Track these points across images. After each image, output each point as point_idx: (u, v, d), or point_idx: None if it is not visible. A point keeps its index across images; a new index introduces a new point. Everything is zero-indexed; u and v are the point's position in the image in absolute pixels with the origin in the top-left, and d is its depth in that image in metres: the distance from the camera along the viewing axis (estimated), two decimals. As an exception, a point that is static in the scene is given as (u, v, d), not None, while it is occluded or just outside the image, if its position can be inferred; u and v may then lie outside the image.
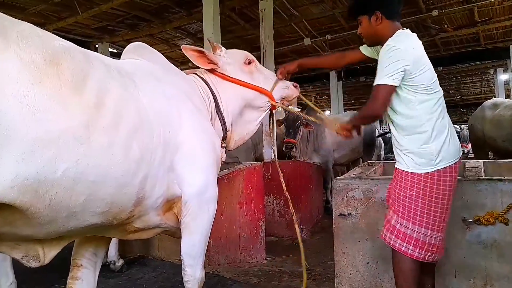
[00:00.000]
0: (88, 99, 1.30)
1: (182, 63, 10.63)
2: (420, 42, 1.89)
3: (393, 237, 1.89)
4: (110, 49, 8.82)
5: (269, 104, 2.28)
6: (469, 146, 8.94)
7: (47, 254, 1.46)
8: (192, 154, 1.75)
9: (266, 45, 5.95)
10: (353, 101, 17.88)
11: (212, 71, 2.15)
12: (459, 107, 19.24)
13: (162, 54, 2.11)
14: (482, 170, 2.77)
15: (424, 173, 1.83)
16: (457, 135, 2.16)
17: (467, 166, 2.90)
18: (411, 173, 1.86)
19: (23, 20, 1.30)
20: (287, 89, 2.34)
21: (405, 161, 1.89)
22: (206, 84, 2.11)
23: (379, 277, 2.52)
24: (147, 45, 2.05)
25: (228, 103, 2.15)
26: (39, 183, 1.15)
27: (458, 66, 10.93)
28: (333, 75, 11.42)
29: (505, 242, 2.19)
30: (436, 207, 1.83)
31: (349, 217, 2.60)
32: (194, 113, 1.85)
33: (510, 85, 12.14)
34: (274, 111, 2.43)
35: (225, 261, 3.62)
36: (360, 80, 12.36)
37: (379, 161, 3.79)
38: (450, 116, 1.97)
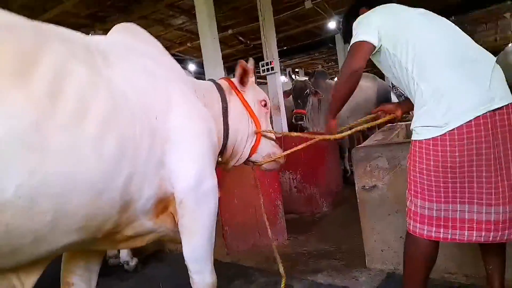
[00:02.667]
0: (39, 89, 1.02)
1: (181, 44, 10.28)
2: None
3: (407, 219, 1.61)
4: (104, 38, 8.51)
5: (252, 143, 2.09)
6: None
7: (26, 282, 1.19)
8: (185, 141, 1.47)
9: (265, 13, 5.57)
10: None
11: (234, 87, 2.07)
12: (474, 58, 18.44)
13: (158, 35, 1.86)
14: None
15: (433, 137, 1.47)
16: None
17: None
18: (418, 141, 1.53)
19: None
20: (276, 148, 2.19)
21: (414, 130, 1.57)
22: (220, 90, 1.99)
23: (415, 252, 2.25)
24: (137, 25, 1.75)
25: (234, 120, 1.98)
26: None
27: (471, 13, 10.21)
28: (339, 38, 10.85)
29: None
30: (453, 176, 1.46)
31: (375, 189, 2.32)
32: (185, 93, 1.58)
33: (529, 28, 11.43)
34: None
35: (244, 247, 3.41)
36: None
37: (400, 123, 3.46)
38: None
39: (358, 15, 1.79)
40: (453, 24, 1.69)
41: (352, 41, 1.67)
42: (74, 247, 1.29)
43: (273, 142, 2.19)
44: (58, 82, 1.08)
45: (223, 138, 1.92)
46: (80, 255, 1.56)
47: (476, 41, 1.67)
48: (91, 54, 1.26)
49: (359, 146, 2.46)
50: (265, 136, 2.10)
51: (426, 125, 1.50)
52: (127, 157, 1.23)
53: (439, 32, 1.61)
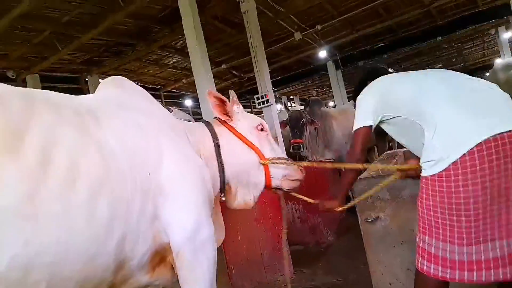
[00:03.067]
0: (29, 160, 1.02)
1: (176, 81, 10.47)
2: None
3: (416, 255, 1.58)
4: (101, 81, 8.65)
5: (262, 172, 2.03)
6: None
7: None
8: (178, 192, 1.45)
9: (256, 48, 5.70)
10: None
11: (223, 122, 2.02)
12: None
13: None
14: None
15: (439, 172, 1.45)
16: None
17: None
18: (424, 177, 1.52)
19: (7, 68, 1.05)
20: (289, 169, 2.10)
21: (422, 166, 1.56)
22: (209, 127, 1.97)
23: (424, 283, 2.20)
24: (126, 79, 1.78)
25: (230, 154, 1.93)
26: None
27: (457, 32, 10.49)
28: (330, 65, 11.08)
29: None
30: (459, 214, 1.42)
31: (378, 220, 2.30)
32: (176, 142, 1.57)
33: (516, 42, 11.71)
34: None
35: (250, 285, 3.34)
36: (359, 65, 12.00)
37: (398, 150, 3.47)
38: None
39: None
40: (447, 70, 1.81)
41: (354, 127, 1.86)
42: None
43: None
44: (48, 150, 1.08)
45: (220, 174, 1.88)
46: None
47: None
48: (81, 117, 1.26)
49: (359, 178, 2.46)
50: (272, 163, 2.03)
51: (430, 159, 1.49)
52: (119, 217, 1.22)
53: (433, 79, 1.69)
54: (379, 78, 1.93)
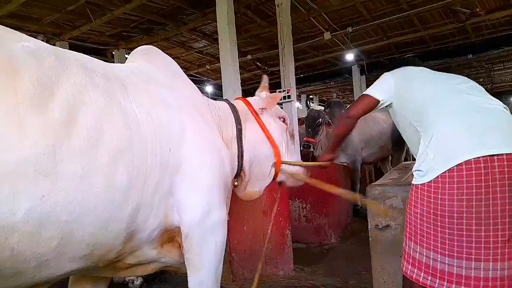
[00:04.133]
0: (55, 117, 1.04)
1: (200, 65, 10.50)
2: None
3: (402, 260, 1.62)
4: (126, 56, 8.74)
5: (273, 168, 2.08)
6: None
7: None
8: (195, 173, 1.46)
9: (285, 42, 5.68)
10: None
11: (250, 106, 2.07)
12: (490, 96, 18.33)
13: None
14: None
15: (427, 182, 1.49)
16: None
17: None
18: (414, 185, 1.57)
19: (38, 31, 1.07)
20: (297, 170, 2.16)
21: (413, 174, 1.63)
22: (233, 110, 1.99)
23: (426, 296, 2.20)
24: (158, 49, 1.80)
25: (249, 143, 1.96)
26: None
27: (489, 52, 10.24)
28: (355, 69, 10.97)
29: None
30: (443, 225, 1.43)
31: (388, 229, 2.29)
32: (199, 122, 1.58)
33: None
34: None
35: (250, 275, 3.37)
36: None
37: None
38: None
39: None
40: (466, 78, 1.79)
41: (364, 92, 1.91)
42: (74, 274, 1.29)
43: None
44: (75, 109, 1.09)
45: (238, 160, 1.90)
46: (86, 279, 1.55)
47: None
48: (109, 83, 1.27)
49: (374, 183, 2.45)
50: (285, 163, 2.07)
51: (421, 169, 1.54)
52: (137, 187, 1.23)
53: (454, 91, 1.66)
54: (412, 67, 1.94)
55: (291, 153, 2.16)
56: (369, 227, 2.38)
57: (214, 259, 1.54)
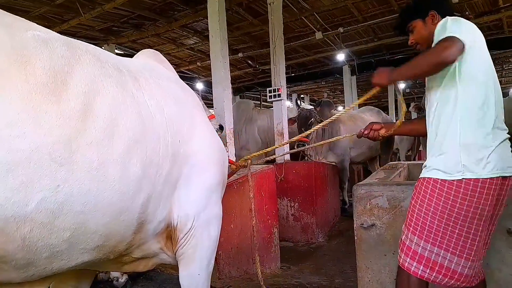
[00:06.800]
0: (70, 106, 1.03)
1: (190, 62, 10.43)
2: None
3: (401, 254, 1.63)
4: (116, 51, 8.64)
5: None
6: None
7: None
8: (201, 167, 1.49)
9: (276, 41, 5.67)
10: (367, 96, 17.39)
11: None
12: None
13: (169, 53, 1.99)
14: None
15: (457, 180, 1.49)
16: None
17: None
18: (440, 180, 1.54)
19: None
20: None
21: (426, 168, 1.61)
22: None
23: (409, 295, 2.22)
24: (160, 53, 1.87)
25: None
26: (5, 220, 0.90)
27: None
28: (346, 70, 11.01)
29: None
30: (462, 227, 1.50)
31: (373, 228, 2.31)
32: (206, 122, 1.64)
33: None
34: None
35: (236, 273, 3.37)
36: (375, 74, 11.88)
37: (402, 162, 3.47)
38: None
39: (427, 13, 1.72)
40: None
41: (449, 34, 1.48)
42: (85, 266, 1.27)
43: None
44: (90, 99, 1.09)
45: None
46: (72, 275, 1.53)
47: (501, 80, 1.75)
48: (122, 75, 1.27)
49: (360, 183, 2.47)
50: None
51: (439, 169, 1.54)
52: (149, 178, 1.24)
53: (492, 87, 1.64)
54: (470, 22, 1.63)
55: None
56: (354, 226, 2.40)
57: (208, 253, 1.57)
